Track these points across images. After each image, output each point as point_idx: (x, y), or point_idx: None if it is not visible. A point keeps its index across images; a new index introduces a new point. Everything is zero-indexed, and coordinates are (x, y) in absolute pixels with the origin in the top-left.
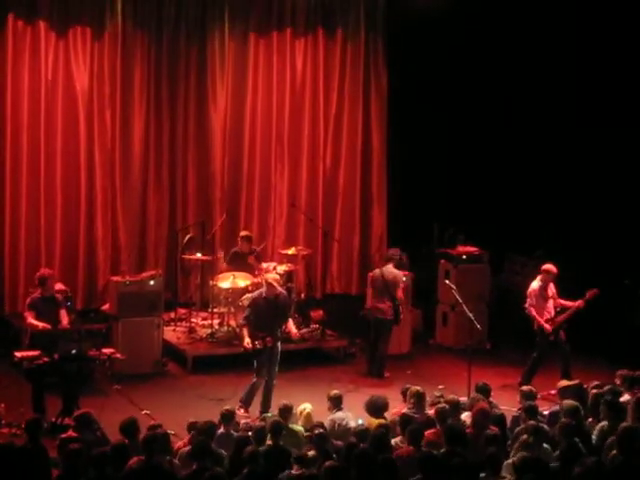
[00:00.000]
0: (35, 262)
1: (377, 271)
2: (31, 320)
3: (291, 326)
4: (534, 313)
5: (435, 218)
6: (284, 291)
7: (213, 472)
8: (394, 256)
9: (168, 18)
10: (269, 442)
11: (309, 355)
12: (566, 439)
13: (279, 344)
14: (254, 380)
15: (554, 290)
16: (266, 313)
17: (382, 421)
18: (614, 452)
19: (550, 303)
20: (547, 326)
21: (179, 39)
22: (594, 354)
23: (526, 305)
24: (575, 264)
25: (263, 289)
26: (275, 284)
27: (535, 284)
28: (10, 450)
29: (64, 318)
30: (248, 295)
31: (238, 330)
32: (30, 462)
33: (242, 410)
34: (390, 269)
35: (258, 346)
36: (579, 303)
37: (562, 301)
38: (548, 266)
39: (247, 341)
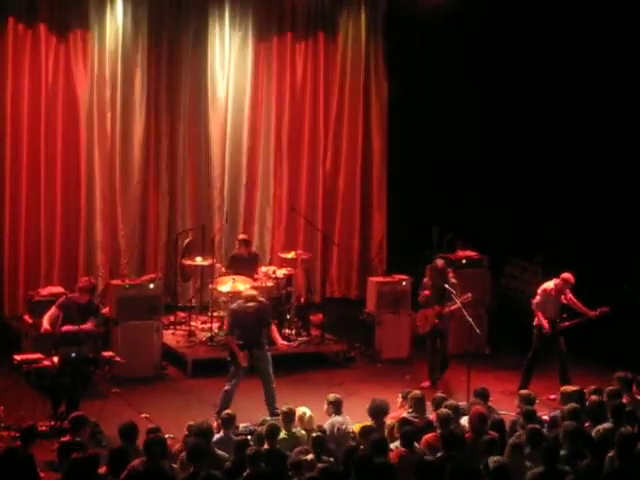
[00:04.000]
0: (35, 266)
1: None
2: (45, 318)
3: (277, 337)
4: (538, 311)
5: (435, 222)
6: (263, 300)
7: (209, 474)
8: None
9: (169, 22)
10: (266, 446)
11: (308, 359)
12: (570, 442)
13: (266, 349)
14: (227, 387)
15: (570, 295)
16: (248, 322)
17: (366, 424)
18: (611, 455)
19: (557, 307)
20: (546, 325)
21: (179, 43)
22: (592, 358)
23: (534, 301)
24: (575, 268)
25: (241, 301)
26: (253, 298)
27: (549, 285)
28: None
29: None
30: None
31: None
32: (16, 466)
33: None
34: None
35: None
36: (591, 314)
37: (575, 300)
38: (567, 275)
39: (244, 361)
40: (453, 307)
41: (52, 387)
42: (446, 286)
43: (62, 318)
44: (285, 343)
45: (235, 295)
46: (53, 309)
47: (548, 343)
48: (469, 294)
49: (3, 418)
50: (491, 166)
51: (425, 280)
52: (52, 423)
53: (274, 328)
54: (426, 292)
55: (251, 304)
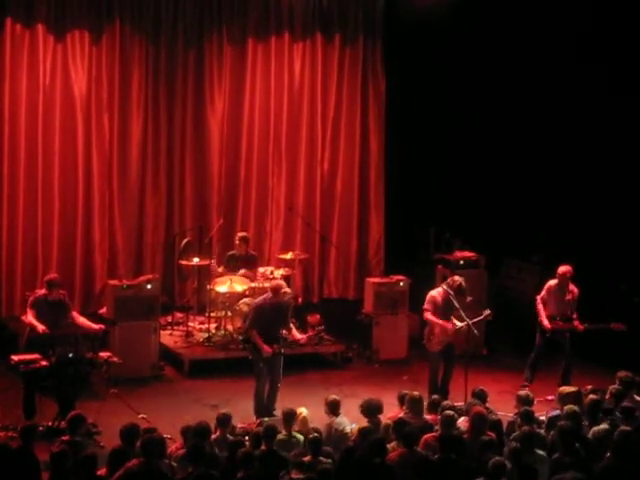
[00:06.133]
0: (32, 266)
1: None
2: (31, 319)
3: (295, 332)
4: (540, 307)
5: (432, 222)
6: (289, 296)
7: (207, 475)
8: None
9: (166, 22)
10: (263, 447)
11: (306, 360)
12: (565, 443)
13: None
14: (256, 387)
15: (576, 291)
16: (270, 318)
17: (365, 425)
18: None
19: (560, 304)
20: (546, 322)
21: (177, 43)
22: (590, 359)
23: (537, 297)
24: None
25: (268, 294)
26: (282, 291)
27: (554, 280)
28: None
29: (77, 319)
30: (245, 299)
31: (239, 336)
32: (19, 465)
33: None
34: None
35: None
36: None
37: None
38: (564, 267)
39: (267, 350)
40: (462, 325)
41: (49, 387)
42: (443, 287)
43: (35, 316)
44: (304, 336)
45: (232, 295)
46: (30, 310)
47: (551, 340)
48: (489, 311)
49: (0, 418)
50: (488, 166)
51: (435, 296)
52: (50, 423)
53: (292, 326)
54: (429, 313)
55: (283, 291)
